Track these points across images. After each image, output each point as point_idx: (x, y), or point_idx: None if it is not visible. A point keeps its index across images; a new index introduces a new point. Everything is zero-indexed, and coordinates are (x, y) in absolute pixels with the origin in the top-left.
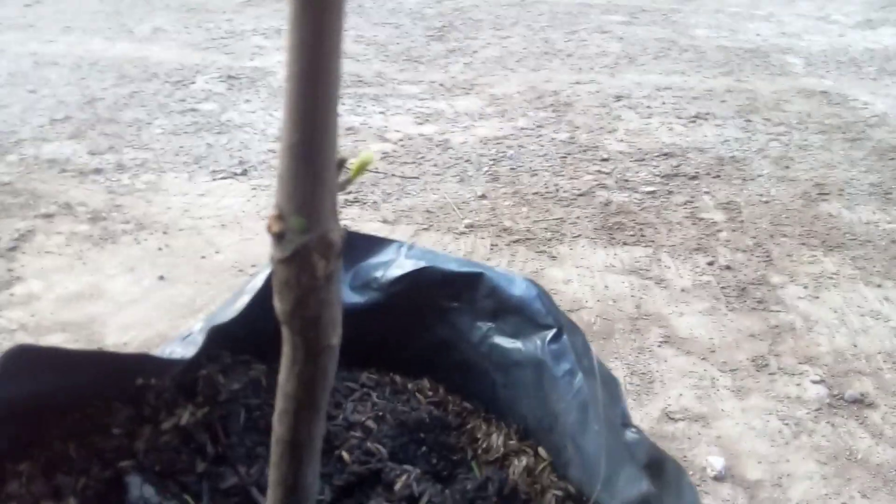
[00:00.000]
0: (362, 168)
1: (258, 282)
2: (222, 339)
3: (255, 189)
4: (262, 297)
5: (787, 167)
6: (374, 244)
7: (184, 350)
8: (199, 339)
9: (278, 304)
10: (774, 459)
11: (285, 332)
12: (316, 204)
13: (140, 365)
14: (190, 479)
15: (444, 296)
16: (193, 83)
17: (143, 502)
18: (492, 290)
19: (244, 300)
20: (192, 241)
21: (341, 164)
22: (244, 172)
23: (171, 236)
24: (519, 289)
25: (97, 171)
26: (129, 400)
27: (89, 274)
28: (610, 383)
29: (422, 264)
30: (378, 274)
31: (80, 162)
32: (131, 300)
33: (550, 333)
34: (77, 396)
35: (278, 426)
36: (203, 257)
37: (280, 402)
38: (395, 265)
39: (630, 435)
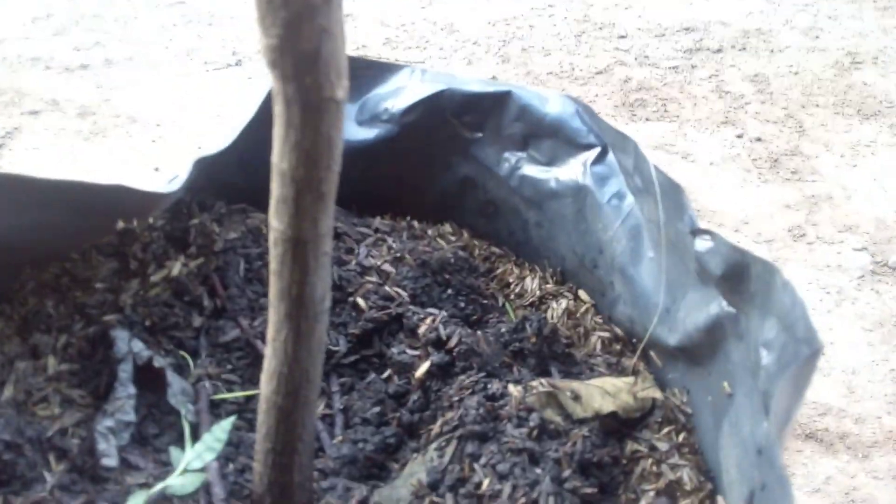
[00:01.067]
0: None
1: (252, 111)
2: (213, 184)
3: (250, 78)
4: (254, 129)
5: (817, 37)
6: (382, 70)
7: (169, 190)
8: (183, 177)
9: (262, 39)
10: (818, 328)
11: (275, 83)
12: None
13: (118, 197)
14: (186, 335)
15: (465, 124)
16: None
17: (133, 358)
18: (521, 112)
19: (236, 131)
20: (186, 133)
21: None
22: (238, 63)
23: (164, 128)
24: (554, 106)
25: (83, 66)
26: (113, 252)
27: (80, 169)
28: (672, 192)
29: (439, 87)
30: (388, 104)
31: (65, 58)
32: None
33: (593, 154)
34: (51, 239)
35: (276, 221)
36: (199, 148)
37: (276, 188)
38: (407, 91)
39: (701, 243)
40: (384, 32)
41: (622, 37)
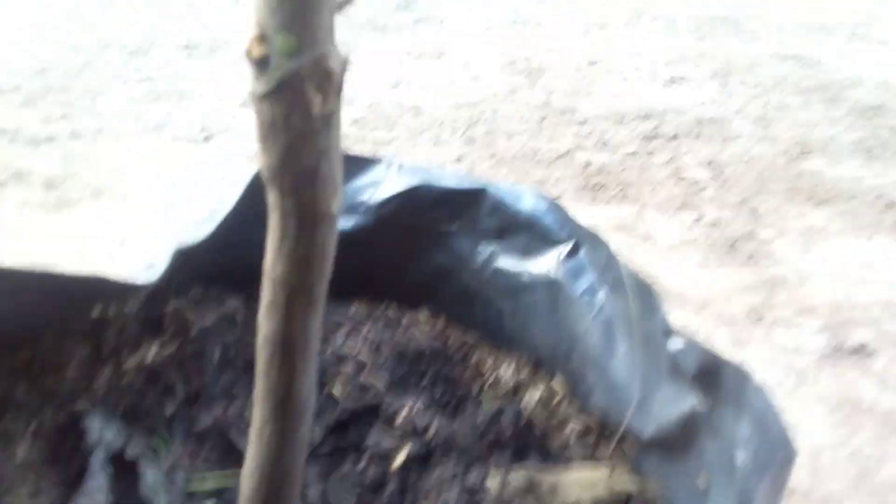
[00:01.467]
0: None
1: (230, 203)
2: (191, 269)
3: (218, 153)
4: (235, 220)
5: (767, 127)
6: (359, 164)
7: (147, 278)
8: (161, 266)
9: (263, 157)
10: (779, 408)
11: (273, 197)
12: (308, 18)
13: (96, 289)
14: (159, 422)
15: (441, 217)
16: (150, 52)
17: (104, 447)
18: (495, 207)
19: (214, 222)
20: (153, 207)
21: None
22: (207, 138)
23: (130, 202)
24: (528, 203)
25: (50, 139)
26: (86, 338)
27: (44, 241)
28: (644, 292)
29: (415, 182)
30: (365, 196)
31: (31, 131)
32: (91, 266)
33: (566, 249)
34: (26, 325)
35: (265, 323)
36: (165, 221)
37: (267, 292)
38: (384, 185)
39: (674, 344)
40: (353, 112)
41: (582, 122)
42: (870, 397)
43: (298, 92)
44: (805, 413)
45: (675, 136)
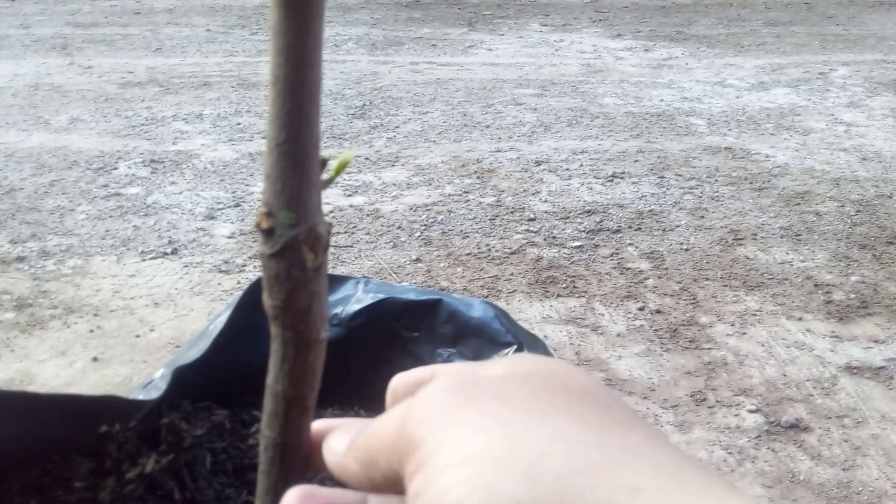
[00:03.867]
0: (343, 167)
1: (218, 325)
2: (182, 386)
3: (186, 267)
4: (222, 341)
5: (703, 217)
6: (332, 282)
7: (147, 396)
8: (162, 385)
9: (268, 300)
10: None
11: (274, 330)
12: (303, 199)
13: (108, 408)
14: None
15: (403, 325)
16: (116, 169)
17: None
18: (451, 316)
19: (204, 343)
20: (124, 322)
21: (324, 162)
22: (174, 252)
23: (102, 318)
24: (477, 311)
25: (20, 258)
26: (90, 453)
27: (18, 361)
28: None
29: (380, 296)
30: (338, 310)
31: (0, 251)
32: (64, 383)
33: (511, 350)
34: (38, 445)
35: (268, 430)
36: (137, 336)
37: (269, 405)
38: (354, 300)
39: None
40: None
41: (531, 219)
42: (805, 469)
43: (296, 252)
44: (747, 489)
45: (618, 230)
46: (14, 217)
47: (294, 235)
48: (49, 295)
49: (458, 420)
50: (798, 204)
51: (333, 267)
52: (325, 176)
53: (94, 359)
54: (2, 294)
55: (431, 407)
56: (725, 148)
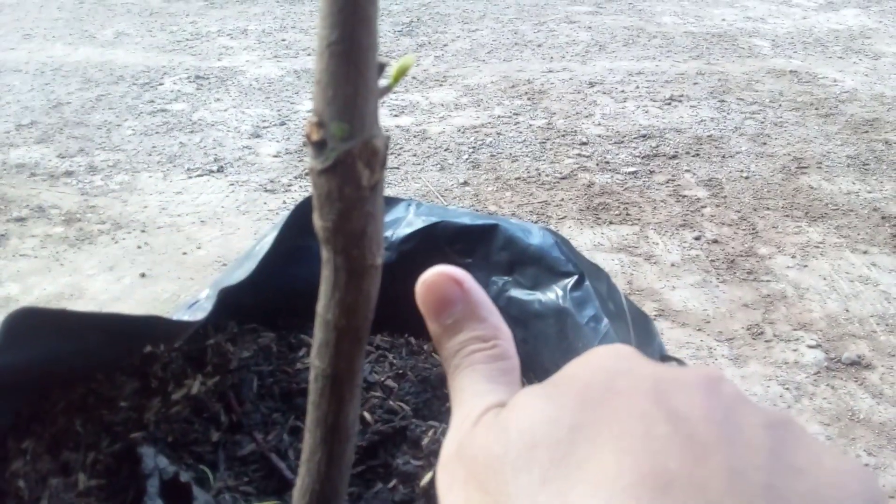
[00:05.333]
0: (403, 72)
1: (264, 245)
2: (228, 307)
3: (232, 185)
4: (269, 262)
5: (765, 143)
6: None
7: (192, 317)
8: (208, 306)
9: (318, 221)
10: None
11: (325, 254)
12: (359, 107)
13: (151, 328)
14: (205, 449)
15: (457, 251)
16: (161, 84)
17: (158, 473)
18: (507, 242)
19: (251, 264)
20: (171, 239)
21: (382, 67)
22: (220, 169)
23: (149, 234)
24: (536, 238)
25: (68, 173)
26: (135, 372)
27: (67, 275)
28: (641, 321)
29: (433, 220)
30: (389, 233)
31: (49, 165)
32: (113, 298)
33: (572, 281)
34: (82, 364)
35: (318, 360)
36: (184, 253)
37: (319, 334)
38: (405, 223)
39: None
40: None
41: (584, 143)
42: (866, 408)
43: (351, 168)
44: (804, 426)
45: (674, 156)
46: (62, 131)
47: (348, 149)
48: (97, 210)
49: None
50: (866, 132)
51: None
52: (382, 83)
53: (142, 275)
54: (51, 208)
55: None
56: (790, 71)
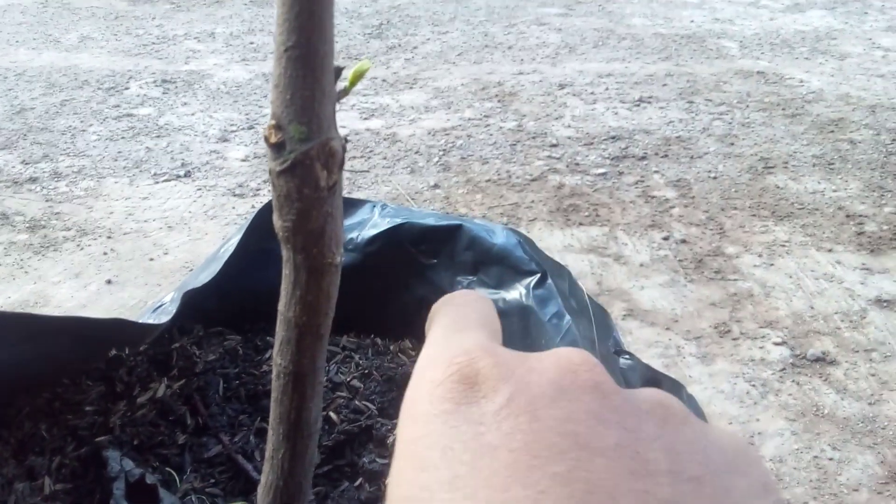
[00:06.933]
0: (358, 77)
1: (229, 248)
2: (193, 310)
3: (200, 190)
4: (233, 265)
5: (732, 144)
6: (348, 206)
7: (157, 320)
8: (172, 309)
9: (278, 221)
10: (745, 419)
11: (286, 253)
12: (316, 110)
13: (116, 331)
14: (171, 452)
15: (422, 252)
16: (127, 89)
17: (125, 475)
18: (472, 242)
19: (215, 267)
20: (138, 245)
21: (338, 71)
22: (187, 174)
23: (116, 240)
24: (500, 238)
25: (32, 179)
26: (100, 376)
27: (32, 282)
28: (600, 315)
29: (398, 221)
30: (353, 234)
31: (13, 172)
32: (79, 305)
33: (534, 279)
34: (48, 369)
35: (280, 358)
36: (151, 259)
37: (281, 332)
38: (370, 224)
39: (623, 361)
40: None
41: (554, 145)
42: (830, 403)
43: (309, 169)
44: (769, 422)
45: (643, 157)
46: (25, 137)
47: (306, 150)
48: (62, 216)
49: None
50: (832, 131)
51: (349, 193)
52: (339, 86)
53: (109, 281)
54: (14, 215)
55: (418, 411)
56: (758, 72)
